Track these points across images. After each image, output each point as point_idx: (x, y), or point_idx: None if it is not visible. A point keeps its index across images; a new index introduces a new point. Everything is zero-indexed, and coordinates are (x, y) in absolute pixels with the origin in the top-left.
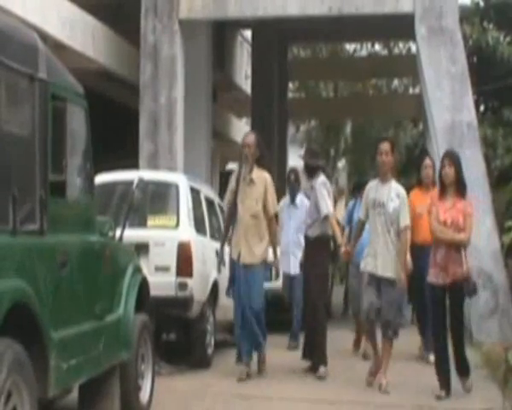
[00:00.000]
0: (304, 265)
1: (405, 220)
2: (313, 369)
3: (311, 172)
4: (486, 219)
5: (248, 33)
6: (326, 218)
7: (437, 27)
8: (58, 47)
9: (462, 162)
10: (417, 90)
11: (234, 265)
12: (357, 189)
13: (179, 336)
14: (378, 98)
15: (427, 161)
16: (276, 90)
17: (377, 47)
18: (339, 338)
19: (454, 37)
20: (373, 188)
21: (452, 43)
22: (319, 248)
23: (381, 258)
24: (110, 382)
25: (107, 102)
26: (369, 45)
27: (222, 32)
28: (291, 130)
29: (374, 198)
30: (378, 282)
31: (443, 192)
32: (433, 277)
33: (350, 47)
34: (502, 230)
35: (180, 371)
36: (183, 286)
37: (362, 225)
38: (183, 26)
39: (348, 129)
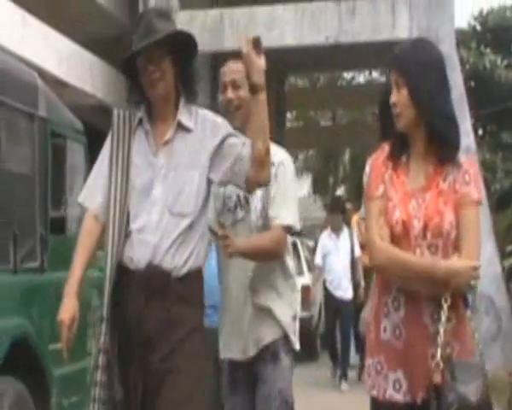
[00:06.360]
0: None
1: (283, 215)
2: None
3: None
4: (487, 243)
5: None
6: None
7: None
8: (56, 83)
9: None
10: None
11: None
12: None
13: None
14: (376, 125)
15: None
16: (274, 120)
17: (375, 74)
18: None
19: (451, 61)
20: None
21: (449, 67)
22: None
23: (247, 322)
24: None
25: (105, 137)
26: (367, 73)
27: (218, 62)
28: None
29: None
30: (252, 370)
31: (399, 151)
32: (376, 382)
33: (347, 75)
34: (502, 254)
35: None
36: None
37: None
38: None
39: (347, 156)
